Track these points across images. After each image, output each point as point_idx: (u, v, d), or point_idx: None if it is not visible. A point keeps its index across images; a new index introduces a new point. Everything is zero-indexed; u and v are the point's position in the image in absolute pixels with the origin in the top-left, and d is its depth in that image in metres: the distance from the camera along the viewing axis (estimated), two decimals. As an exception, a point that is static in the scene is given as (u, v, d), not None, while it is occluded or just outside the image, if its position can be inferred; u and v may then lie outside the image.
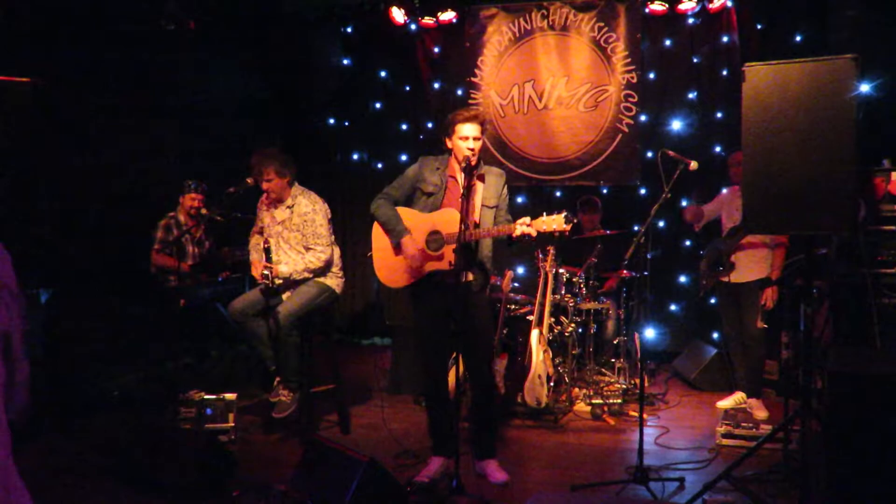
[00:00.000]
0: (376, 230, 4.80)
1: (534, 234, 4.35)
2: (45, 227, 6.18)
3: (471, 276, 4.62)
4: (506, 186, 4.80)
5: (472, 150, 4.52)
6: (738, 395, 6.33)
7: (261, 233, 5.80)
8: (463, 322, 4.52)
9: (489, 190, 4.68)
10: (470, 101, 8.66)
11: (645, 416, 4.83)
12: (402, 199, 4.77)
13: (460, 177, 4.55)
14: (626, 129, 8.25)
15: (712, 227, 6.52)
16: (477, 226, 4.59)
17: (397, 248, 4.67)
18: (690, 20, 8.11)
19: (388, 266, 4.76)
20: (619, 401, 6.30)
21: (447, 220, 4.51)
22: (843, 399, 3.89)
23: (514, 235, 4.41)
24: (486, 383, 4.81)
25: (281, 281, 5.50)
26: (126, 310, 6.69)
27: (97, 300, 6.55)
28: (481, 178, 4.69)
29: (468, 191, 4.46)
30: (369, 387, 7.12)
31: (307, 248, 5.61)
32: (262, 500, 4.23)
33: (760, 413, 6.03)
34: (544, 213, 4.34)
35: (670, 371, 7.70)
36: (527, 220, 4.38)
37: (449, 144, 4.65)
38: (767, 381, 6.66)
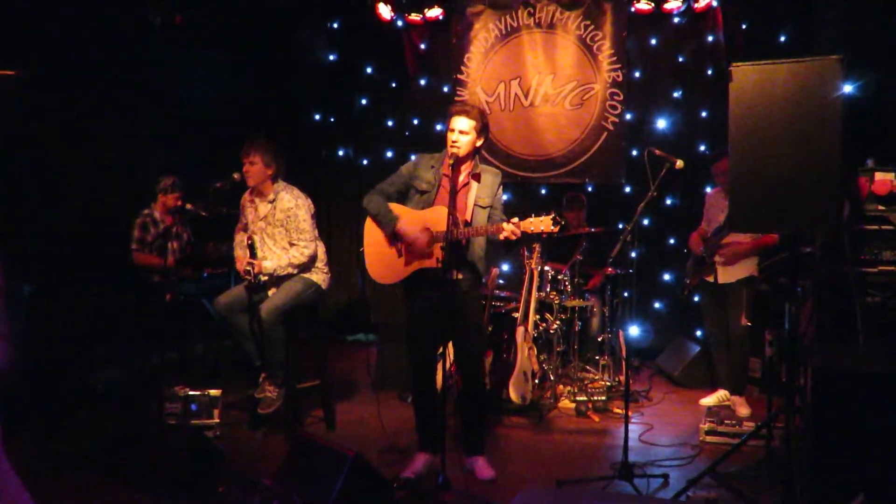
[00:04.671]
0: (368, 225, 4.77)
1: (519, 233, 4.35)
2: (28, 219, 6.15)
3: (462, 275, 4.60)
4: (501, 187, 4.78)
5: (456, 142, 4.50)
6: (721, 393, 6.38)
7: (245, 229, 5.78)
8: (453, 320, 4.52)
9: (483, 189, 4.65)
10: (456, 98, 8.67)
11: (629, 412, 4.86)
12: (395, 195, 4.74)
13: (452, 174, 4.53)
14: (611, 127, 8.29)
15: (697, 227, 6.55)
16: (468, 224, 4.56)
17: (393, 238, 4.65)
18: (676, 19, 8.15)
19: (380, 262, 4.74)
20: (604, 398, 6.35)
21: (438, 217, 4.47)
22: (827, 396, 3.93)
23: (501, 237, 4.40)
24: (476, 381, 4.81)
25: (266, 277, 5.48)
26: (110, 304, 6.64)
27: (81, 294, 6.51)
28: (476, 178, 4.67)
29: (456, 188, 4.47)
30: (355, 383, 7.12)
31: (291, 244, 5.60)
32: (248, 494, 4.22)
33: (743, 410, 6.07)
34: (532, 215, 4.33)
35: (654, 368, 7.75)
36: (515, 220, 4.37)
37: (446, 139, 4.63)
38: (751, 378, 6.71)
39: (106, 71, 6.91)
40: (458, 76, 8.79)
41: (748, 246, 6.00)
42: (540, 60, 8.48)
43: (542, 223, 4.29)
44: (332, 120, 9.63)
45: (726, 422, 5.44)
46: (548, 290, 6.76)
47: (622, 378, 6.44)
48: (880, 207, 5.72)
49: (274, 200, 5.61)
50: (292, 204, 5.58)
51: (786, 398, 4.19)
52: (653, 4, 8.05)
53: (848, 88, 4.32)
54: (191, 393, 5.48)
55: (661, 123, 8.21)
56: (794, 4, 7.61)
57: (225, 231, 6.41)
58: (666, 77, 8.31)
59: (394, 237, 4.65)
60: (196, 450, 4.56)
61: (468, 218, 4.60)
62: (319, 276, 5.73)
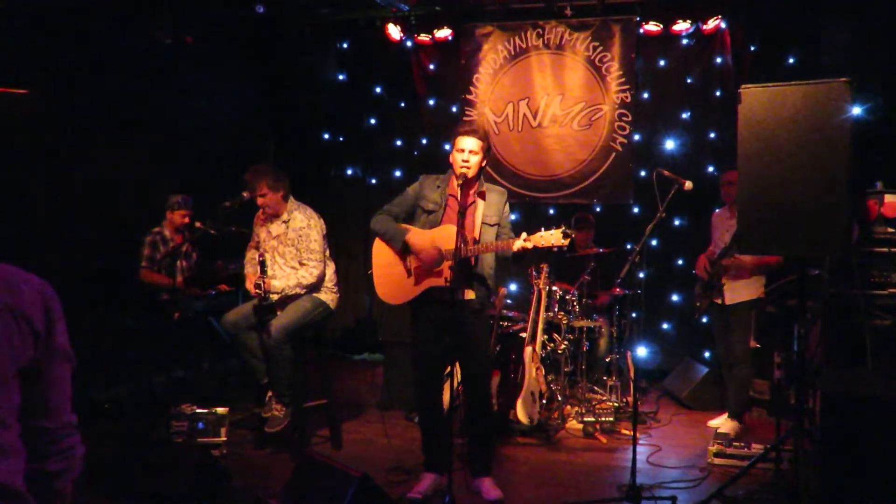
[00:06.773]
0: (376, 247, 4.79)
1: (530, 247, 4.36)
2: (37, 236, 6.17)
3: (471, 294, 4.61)
4: (507, 205, 4.79)
5: (467, 162, 4.52)
6: (729, 415, 6.35)
7: (257, 247, 5.79)
8: (460, 339, 4.51)
9: (490, 208, 4.67)
10: (465, 118, 8.69)
11: (637, 434, 4.84)
12: (402, 215, 4.76)
13: (460, 194, 4.55)
14: (619, 148, 8.30)
15: (704, 249, 6.53)
16: (476, 242, 4.57)
17: (404, 252, 4.65)
18: (684, 41, 8.17)
19: (389, 283, 4.75)
20: (611, 419, 6.31)
21: (447, 236, 4.48)
22: (836, 419, 3.91)
23: (512, 250, 4.41)
24: (483, 401, 4.80)
25: (276, 296, 5.49)
26: (118, 322, 6.65)
27: (89, 312, 6.52)
28: (482, 196, 4.68)
29: (464, 207, 4.48)
30: (361, 402, 7.11)
31: (301, 263, 5.61)
32: (254, 514, 4.22)
33: (726, 427, 6.06)
34: (542, 228, 4.35)
35: (661, 389, 7.70)
36: (524, 235, 4.39)
37: (451, 160, 4.65)
38: (759, 400, 6.69)
39: (116, 90, 6.95)
40: (467, 97, 8.82)
41: (752, 262, 5.98)
42: (548, 81, 8.51)
43: (552, 237, 4.30)
44: (340, 139, 9.67)
45: (735, 444, 5.41)
46: (556, 310, 6.76)
47: (630, 399, 6.41)
48: (889, 230, 5.71)
49: (288, 220, 5.63)
50: (305, 224, 5.60)
51: (794, 421, 4.17)
52: (661, 26, 8.07)
53: (857, 111, 4.34)
54: (198, 411, 5.47)
55: (670, 145, 8.22)
56: (801, 27, 7.63)
57: (234, 249, 6.42)
58: (674, 98, 8.33)
59: (404, 250, 4.66)
60: (202, 468, 4.55)
61: (476, 236, 4.61)
62: (328, 295, 5.74)
